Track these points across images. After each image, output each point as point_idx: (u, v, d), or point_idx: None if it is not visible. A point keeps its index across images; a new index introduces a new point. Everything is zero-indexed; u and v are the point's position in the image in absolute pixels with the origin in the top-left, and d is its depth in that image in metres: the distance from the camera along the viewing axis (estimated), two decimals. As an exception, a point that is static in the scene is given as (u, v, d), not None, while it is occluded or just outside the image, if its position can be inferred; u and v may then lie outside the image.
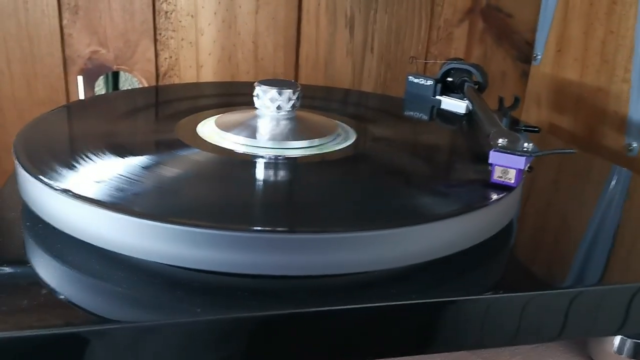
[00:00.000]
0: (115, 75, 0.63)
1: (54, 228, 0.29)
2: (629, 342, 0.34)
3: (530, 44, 0.68)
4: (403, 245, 0.28)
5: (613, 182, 0.45)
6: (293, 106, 0.39)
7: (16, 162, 0.32)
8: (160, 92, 0.53)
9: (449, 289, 0.28)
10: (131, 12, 0.59)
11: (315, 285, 0.27)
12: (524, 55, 0.69)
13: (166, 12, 0.60)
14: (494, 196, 0.30)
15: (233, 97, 0.50)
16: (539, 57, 0.67)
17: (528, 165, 0.31)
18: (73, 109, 0.45)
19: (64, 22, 0.58)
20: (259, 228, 0.27)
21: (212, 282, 0.27)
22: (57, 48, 0.58)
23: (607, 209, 0.40)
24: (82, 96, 0.56)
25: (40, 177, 0.30)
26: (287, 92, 0.38)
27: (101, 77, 0.60)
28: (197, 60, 0.62)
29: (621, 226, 0.37)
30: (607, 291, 0.30)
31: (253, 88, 0.39)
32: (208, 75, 0.62)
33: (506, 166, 0.31)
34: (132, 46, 0.60)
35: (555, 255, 0.33)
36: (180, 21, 0.60)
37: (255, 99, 0.39)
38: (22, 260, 0.28)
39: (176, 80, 0.62)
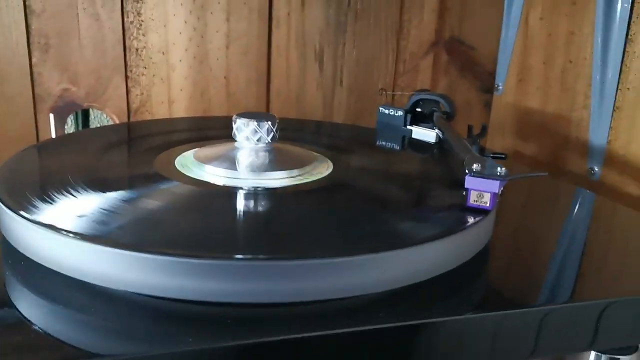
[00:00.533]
0: (85, 113, 0.63)
1: (36, 264, 0.29)
2: (603, 358, 0.35)
3: (493, 75, 0.71)
4: (386, 270, 0.29)
5: (578, 204, 0.47)
6: (271, 138, 0.39)
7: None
8: (136, 128, 0.54)
9: (427, 313, 0.29)
10: (102, 49, 0.59)
11: (302, 312, 0.28)
12: (487, 86, 0.72)
13: (137, 49, 0.60)
14: (473, 219, 0.31)
15: (209, 131, 0.51)
16: (501, 87, 0.70)
17: (501, 188, 0.33)
18: (51, 146, 0.45)
19: (34, 60, 0.58)
20: (241, 256, 0.27)
21: (199, 312, 0.27)
22: (27, 87, 0.58)
23: (574, 230, 0.41)
24: (53, 134, 0.55)
25: (23, 213, 0.29)
26: (266, 124, 0.39)
27: (71, 115, 0.60)
28: (169, 96, 0.62)
29: (588, 246, 0.39)
30: (578, 308, 0.31)
31: (231, 121, 0.40)
32: (180, 110, 0.63)
33: (481, 190, 0.32)
34: (104, 83, 0.60)
35: (527, 275, 0.34)
36: (151, 58, 0.61)
37: (234, 131, 0.39)
38: (4, 299, 0.28)
39: (148, 117, 0.62)
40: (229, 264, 0.27)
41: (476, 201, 0.33)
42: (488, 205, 0.32)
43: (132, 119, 0.62)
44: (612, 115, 0.54)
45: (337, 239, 0.30)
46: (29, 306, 0.27)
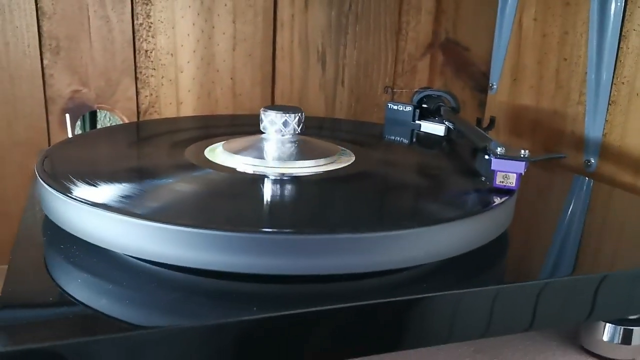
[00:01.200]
0: (93, 115, 0.64)
1: (82, 246, 0.30)
2: (619, 329, 0.38)
3: (486, 75, 0.74)
4: (427, 243, 0.30)
5: (577, 189, 0.50)
6: (297, 129, 0.41)
7: (46, 185, 0.32)
8: (160, 124, 0.55)
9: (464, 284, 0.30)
10: (112, 51, 0.60)
11: (345, 286, 0.29)
12: (481, 85, 0.75)
13: (146, 51, 0.61)
14: (503, 198, 0.34)
15: (233, 127, 0.52)
16: (495, 86, 0.73)
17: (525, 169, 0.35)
18: (85, 139, 0.46)
19: (45, 62, 0.58)
20: (279, 230, 0.29)
21: (237, 288, 0.29)
22: (38, 88, 0.58)
23: (576, 211, 0.44)
24: (70, 134, 0.56)
25: (74, 194, 0.31)
26: (293, 116, 0.41)
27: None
28: (177, 97, 0.63)
29: (587, 225, 0.42)
30: (578, 280, 0.33)
31: (259, 113, 0.41)
32: (188, 111, 0.64)
33: (507, 171, 0.34)
34: (114, 85, 0.61)
35: (536, 251, 0.36)
36: (160, 59, 0.62)
37: (262, 123, 0.41)
38: (45, 274, 0.29)
39: (156, 117, 0.63)
40: (268, 238, 0.28)
41: (502, 182, 0.35)
42: (514, 185, 0.35)
43: (141, 120, 0.63)
44: (607, 109, 0.57)
45: (371, 216, 0.32)
46: (71, 282, 0.29)
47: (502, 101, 0.72)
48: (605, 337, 0.38)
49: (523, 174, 0.35)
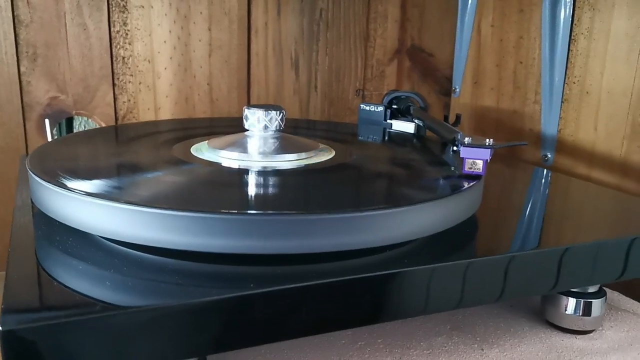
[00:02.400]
0: (69, 121, 0.65)
1: (71, 233, 0.32)
2: (580, 302, 0.41)
3: (450, 79, 0.78)
4: (407, 222, 0.33)
5: (538, 179, 0.54)
6: (279, 126, 0.44)
7: (38, 179, 0.34)
8: (144, 126, 0.56)
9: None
10: (90, 58, 0.62)
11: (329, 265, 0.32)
12: (445, 89, 0.79)
13: (124, 58, 0.63)
14: (472, 182, 0.37)
15: (215, 128, 0.54)
16: (458, 90, 0.77)
17: (490, 156, 0.38)
18: (72, 140, 0.48)
19: (22, 69, 0.59)
20: (275, 212, 0.31)
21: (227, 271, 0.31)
22: (16, 95, 0.59)
23: (537, 197, 0.48)
24: (49, 139, 0.57)
25: (71, 186, 0.32)
26: (274, 113, 0.43)
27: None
28: (155, 102, 0.65)
29: (548, 208, 0.45)
30: (543, 253, 0.36)
31: (239, 114, 0.44)
32: (166, 116, 0.66)
33: (475, 158, 0.38)
34: (92, 91, 0.63)
35: (504, 230, 0.39)
36: (137, 66, 0.64)
37: (245, 120, 0.43)
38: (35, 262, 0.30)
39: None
40: (252, 219, 0.30)
41: (470, 168, 0.38)
42: (481, 171, 0.38)
43: (126, 122, 0.64)
44: (560, 107, 0.61)
45: (359, 197, 0.35)
46: (61, 267, 0.30)
47: (465, 103, 0.76)
48: (568, 311, 0.41)
49: (489, 160, 0.38)
